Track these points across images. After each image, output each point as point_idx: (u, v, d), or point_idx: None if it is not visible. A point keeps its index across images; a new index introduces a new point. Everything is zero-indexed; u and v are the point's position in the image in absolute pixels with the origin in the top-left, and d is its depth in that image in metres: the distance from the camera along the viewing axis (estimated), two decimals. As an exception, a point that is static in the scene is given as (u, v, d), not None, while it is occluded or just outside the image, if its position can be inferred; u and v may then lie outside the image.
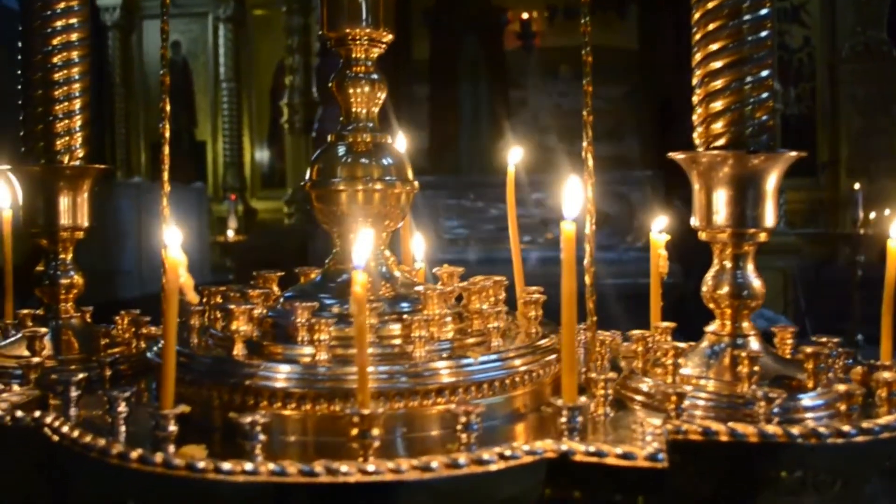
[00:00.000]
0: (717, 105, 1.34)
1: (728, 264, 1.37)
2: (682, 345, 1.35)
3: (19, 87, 1.59)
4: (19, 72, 1.60)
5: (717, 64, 1.34)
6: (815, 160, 10.63)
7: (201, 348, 1.32)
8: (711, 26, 1.34)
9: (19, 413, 1.14)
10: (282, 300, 1.44)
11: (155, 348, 1.38)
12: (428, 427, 1.19)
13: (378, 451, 1.00)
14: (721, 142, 1.34)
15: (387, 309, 1.35)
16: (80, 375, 1.24)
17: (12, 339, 1.52)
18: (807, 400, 1.27)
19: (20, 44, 1.58)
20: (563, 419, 1.10)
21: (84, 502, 1.15)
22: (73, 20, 1.57)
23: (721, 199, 1.35)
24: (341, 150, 1.45)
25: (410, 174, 1.48)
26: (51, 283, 1.56)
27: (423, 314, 1.26)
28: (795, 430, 1.13)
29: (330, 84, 1.48)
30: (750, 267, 1.37)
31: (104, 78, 11.06)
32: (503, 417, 1.26)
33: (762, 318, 6.58)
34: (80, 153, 1.58)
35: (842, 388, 1.25)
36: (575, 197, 1.13)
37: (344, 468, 0.93)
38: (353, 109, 1.47)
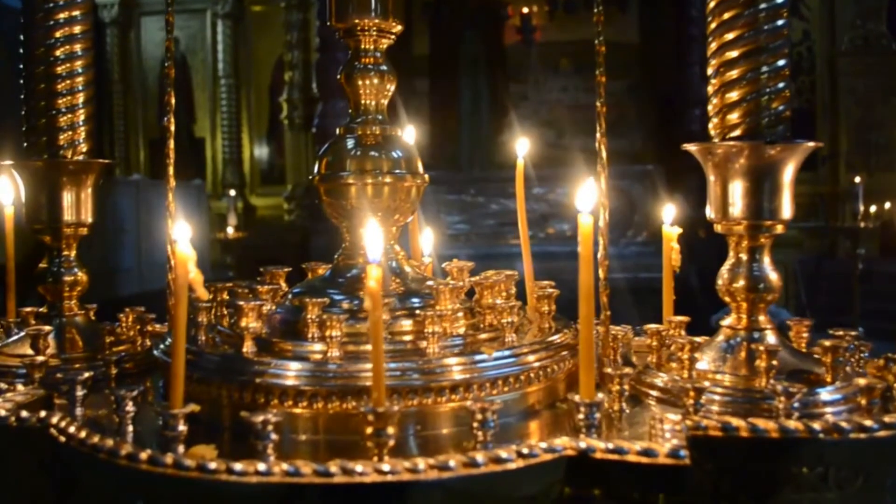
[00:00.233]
0: (733, 95, 1.32)
1: (744, 257, 1.35)
2: (698, 339, 1.33)
3: (21, 80, 1.56)
4: (21, 65, 1.57)
5: (733, 53, 1.32)
6: (816, 153, 10.62)
7: (209, 345, 1.30)
8: (727, 15, 1.32)
9: (24, 413, 1.11)
10: (290, 296, 1.42)
11: (162, 346, 1.36)
12: (441, 424, 1.17)
13: (392, 449, 0.97)
14: (737, 132, 1.32)
15: (397, 304, 1.33)
16: (86, 374, 1.22)
17: (15, 337, 1.49)
18: (825, 394, 1.24)
19: (22, 37, 1.55)
20: (581, 416, 1.08)
21: (91, 503, 1.12)
22: (76, 12, 1.54)
23: (737, 191, 1.32)
24: (350, 142, 1.42)
25: (420, 167, 1.46)
26: (54, 281, 1.53)
27: (436, 310, 1.24)
28: (817, 426, 1.10)
29: (339, 76, 1.46)
30: (766, 260, 1.35)
31: (102, 75, 11.01)
32: (517, 414, 1.24)
33: (764, 313, 6.59)
34: (84, 148, 1.56)
35: (862, 382, 1.23)
36: (591, 191, 1.10)
37: (359, 468, 0.90)
38: (363, 101, 1.44)
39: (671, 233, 1.62)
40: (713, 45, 1.35)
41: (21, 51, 1.58)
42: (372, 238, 1.01)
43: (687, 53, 8.11)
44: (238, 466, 0.91)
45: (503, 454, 0.96)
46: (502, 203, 8.35)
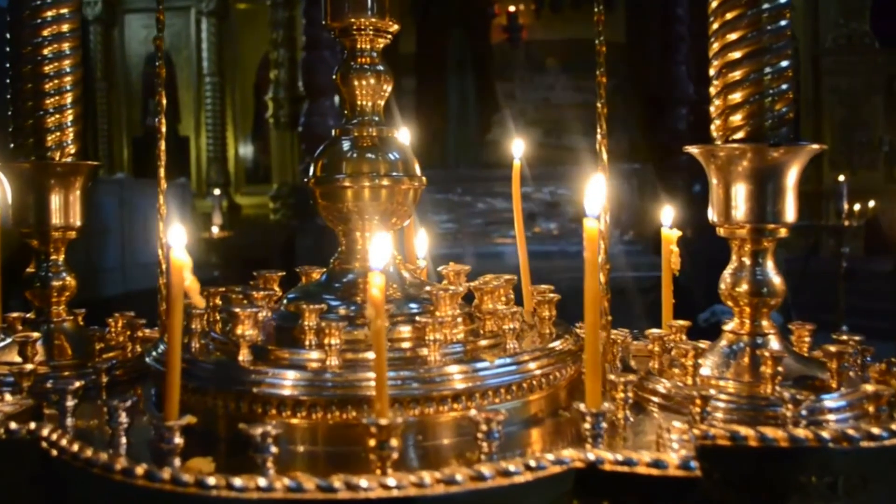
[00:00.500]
0: (736, 97, 1.30)
1: (747, 261, 1.33)
2: (702, 345, 1.31)
3: (8, 80, 1.52)
4: (8, 65, 1.53)
5: (736, 54, 1.29)
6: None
7: (203, 353, 1.27)
8: (729, 15, 1.30)
9: (13, 425, 1.08)
10: (285, 301, 1.39)
11: (154, 353, 1.32)
12: (442, 434, 1.15)
13: (394, 462, 0.95)
14: (740, 135, 1.30)
15: (395, 311, 1.30)
16: (77, 384, 1.18)
17: (2, 343, 1.45)
18: (831, 401, 1.23)
19: (8, 35, 1.52)
20: (587, 425, 1.05)
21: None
22: (64, 10, 1.50)
23: (740, 194, 1.30)
24: (346, 144, 1.39)
25: (418, 169, 1.43)
26: (42, 286, 1.49)
27: (436, 316, 1.21)
28: (826, 434, 1.09)
29: (334, 76, 1.43)
30: (769, 263, 1.33)
31: (85, 73, 10.92)
32: (519, 423, 1.21)
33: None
34: (72, 149, 1.52)
35: (870, 388, 1.21)
36: (598, 193, 1.07)
37: (364, 483, 0.88)
38: (359, 102, 1.41)
39: (671, 235, 1.60)
40: (715, 46, 1.33)
41: (7, 49, 1.54)
42: (376, 245, 0.98)
43: (673, 52, 8.12)
44: (238, 482, 0.88)
45: (511, 467, 0.93)
46: (489, 202, 8.33)
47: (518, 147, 1.73)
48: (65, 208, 1.50)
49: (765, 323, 1.33)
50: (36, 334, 1.39)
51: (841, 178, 8.71)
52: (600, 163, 1.40)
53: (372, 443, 0.95)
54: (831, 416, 1.21)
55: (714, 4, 1.31)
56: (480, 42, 9.11)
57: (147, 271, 8.63)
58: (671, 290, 1.59)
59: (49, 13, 1.49)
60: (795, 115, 1.36)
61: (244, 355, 1.18)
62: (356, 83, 1.40)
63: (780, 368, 1.23)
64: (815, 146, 1.29)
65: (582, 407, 1.06)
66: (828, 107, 12.43)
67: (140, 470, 0.92)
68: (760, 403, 1.22)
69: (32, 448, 1.05)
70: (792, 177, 1.30)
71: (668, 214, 1.60)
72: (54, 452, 1.02)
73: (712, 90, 1.34)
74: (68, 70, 1.51)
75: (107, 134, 11.44)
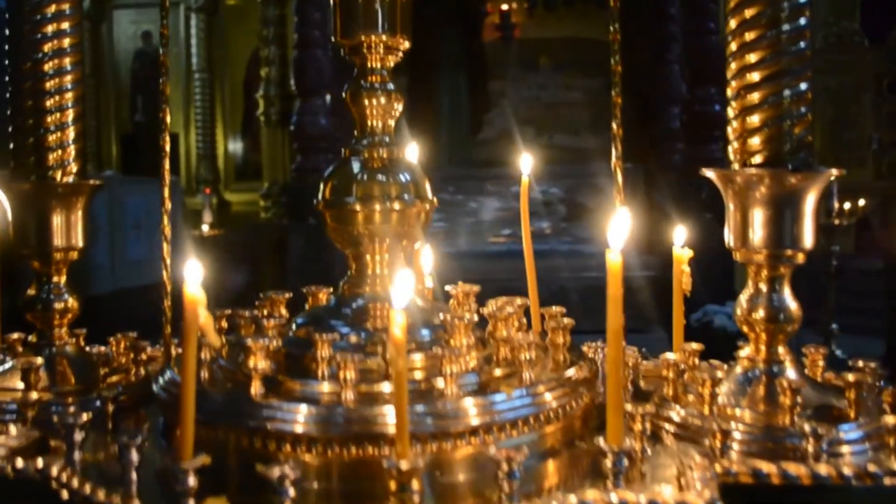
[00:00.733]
0: (755, 120, 1.28)
1: (763, 287, 1.31)
2: (718, 373, 1.29)
3: (7, 96, 1.49)
4: (7, 78, 1.50)
5: (755, 76, 1.28)
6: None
7: (212, 383, 1.24)
8: (749, 36, 1.27)
9: (20, 462, 1.05)
10: (294, 327, 1.36)
11: (161, 381, 1.29)
12: (457, 469, 1.12)
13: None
14: (758, 159, 1.28)
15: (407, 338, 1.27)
16: (84, 417, 1.15)
17: (4, 367, 1.42)
18: (850, 432, 1.21)
19: (7, 49, 1.48)
20: (609, 463, 1.03)
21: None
22: (65, 24, 1.47)
23: (757, 220, 1.29)
24: (356, 166, 1.36)
25: (429, 189, 1.40)
26: (44, 308, 1.46)
27: (451, 346, 1.19)
28: (848, 470, 1.07)
29: (344, 95, 1.39)
30: (786, 290, 1.31)
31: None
32: (535, 455, 1.19)
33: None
34: (74, 168, 1.48)
35: (890, 421, 1.19)
36: (622, 226, 1.05)
37: (388, 531, 0.85)
38: (369, 122, 1.38)
39: (682, 255, 1.58)
40: (733, 67, 1.31)
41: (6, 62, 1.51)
42: (399, 282, 0.95)
43: (666, 51, 8.10)
44: (257, 530, 0.86)
45: (536, 512, 0.91)
46: (480, 201, 8.31)
47: (526, 163, 1.70)
48: (66, 229, 1.47)
49: (781, 349, 1.31)
50: (39, 360, 1.36)
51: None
52: (615, 153, 1.37)
53: (392, 485, 0.92)
54: (849, 448, 1.20)
55: (733, 24, 1.29)
56: (473, 40, 9.08)
57: (137, 269, 8.58)
58: (682, 312, 1.57)
59: (50, 28, 1.45)
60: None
61: (256, 388, 1.15)
62: (366, 102, 1.37)
63: (799, 399, 1.21)
64: (834, 171, 1.27)
65: (603, 443, 1.04)
66: (817, 105, 12.43)
67: (155, 516, 0.89)
68: (778, 434, 1.21)
69: (41, 485, 1.02)
70: (810, 202, 1.28)
71: (679, 234, 1.58)
72: (65, 493, 0.99)
73: (730, 112, 1.32)
74: (70, 87, 1.47)
75: (95, 131, 11.35)
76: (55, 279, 1.48)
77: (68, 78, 1.48)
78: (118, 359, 1.52)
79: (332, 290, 1.57)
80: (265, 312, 1.48)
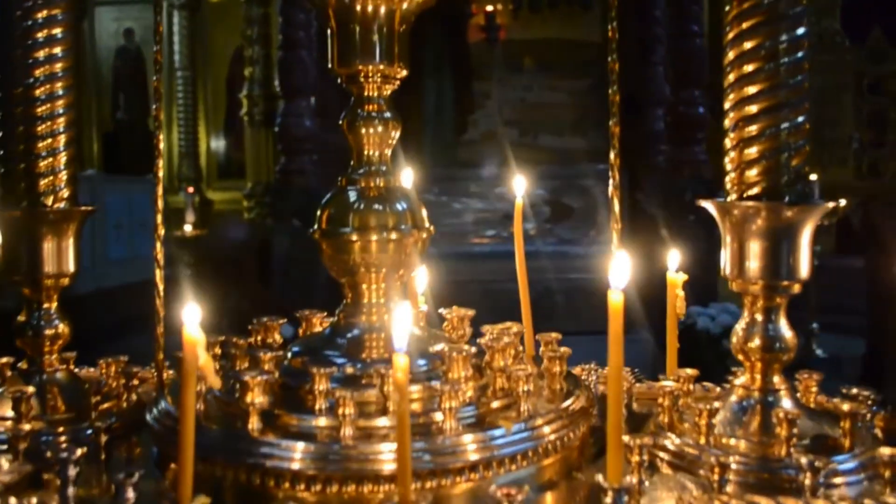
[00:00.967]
0: (752, 152, 1.28)
1: (759, 317, 1.32)
2: (716, 404, 1.29)
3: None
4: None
5: (753, 108, 1.28)
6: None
7: (206, 415, 1.23)
8: (747, 68, 1.27)
9: (14, 501, 1.03)
10: (289, 355, 1.35)
11: (155, 411, 1.28)
12: (456, 504, 1.12)
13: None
14: (755, 190, 1.28)
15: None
16: (78, 452, 1.14)
17: (-8, 393, 1.41)
18: (844, 462, 1.22)
19: (-1, 73, 1.46)
20: (609, 500, 1.03)
21: None
22: (57, 49, 1.45)
23: (754, 251, 1.29)
24: (352, 195, 1.36)
25: (426, 217, 1.40)
26: (34, 335, 1.45)
27: (451, 381, 1.19)
28: (845, 505, 1.08)
29: (340, 122, 1.39)
30: (782, 320, 1.32)
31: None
32: (534, 488, 1.18)
33: (727, 313, 6.61)
34: (65, 193, 1.47)
35: (886, 452, 1.19)
36: (623, 266, 1.05)
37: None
38: (366, 151, 1.37)
39: (676, 279, 1.58)
40: (732, 97, 1.31)
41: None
42: (399, 324, 0.94)
43: (650, 53, 8.12)
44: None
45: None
46: (465, 202, 8.30)
47: (519, 184, 1.70)
48: (58, 255, 1.46)
49: (776, 379, 1.32)
50: (30, 389, 1.35)
51: (813, 176, 8.77)
52: (613, 150, 1.37)
53: (395, 529, 0.92)
54: (844, 479, 1.20)
55: (731, 55, 1.29)
56: (457, 41, 9.06)
57: (118, 268, 8.52)
58: (676, 336, 1.58)
59: (41, 53, 1.43)
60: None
61: (254, 423, 1.14)
62: (363, 131, 1.37)
63: (795, 430, 1.21)
64: (830, 204, 1.28)
65: (604, 482, 1.04)
66: (799, 105, 12.50)
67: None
68: (774, 465, 1.21)
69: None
70: (807, 234, 1.28)
71: (674, 258, 1.58)
72: (61, 537, 0.98)
73: (728, 142, 1.32)
74: (61, 112, 1.46)
75: (76, 129, 11.25)
76: (45, 305, 1.47)
77: (60, 103, 1.46)
78: (109, 382, 1.51)
79: (325, 314, 1.56)
80: (259, 340, 1.47)
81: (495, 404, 1.25)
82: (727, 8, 1.31)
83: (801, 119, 1.28)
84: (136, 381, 1.51)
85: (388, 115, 1.38)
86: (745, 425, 1.29)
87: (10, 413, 1.35)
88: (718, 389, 1.52)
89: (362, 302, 1.37)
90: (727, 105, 1.31)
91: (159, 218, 1.48)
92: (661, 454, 1.31)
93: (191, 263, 8.68)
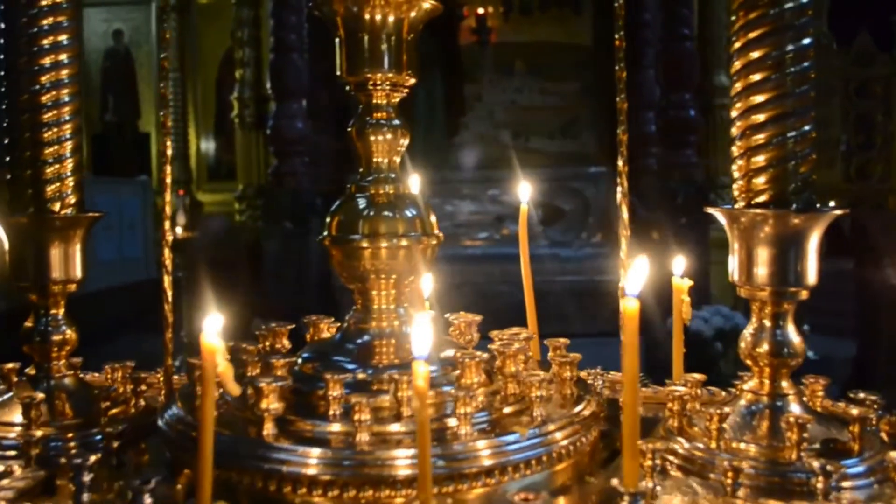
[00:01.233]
0: (760, 160, 1.29)
1: (767, 323, 1.33)
2: (726, 409, 1.30)
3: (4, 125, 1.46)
4: (4, 106, 1.48)
5: (760, 117, 1.29)
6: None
7: (218, 419, 1.23)
8: (754, 78, 1.29)
9: (30, 508, 1.04)
10: (300, 361, 1.35)
11: (166, 416, 1.28)
12: (469, 511, 1.12)
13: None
14: (763, 198, 1.30)
15: (415, 374, 1.27)
16: (92, 458, 1.14)
17: (2, 399, 1.41)
18: (853, 467, 1.23)
19: (5, 80, 1.46)
20: (625, 505, 1.04)
21: None
22: (63, 56, 1.45)
23: (762, 258, 1.30)
24: (362, 202, 1.36)
25: (434, 223, 1.40)
26: (42, 341, 1.44)
27: (464, 387, 1.19)
28: (858, 511, 1.09)
29: (349, 129, 1.39)
30: (790, 325, 1.33)
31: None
32: (547, 493, 1.19)
33: (719, 315, 6.65)
34: (72, 199, 1.46)
35: (894, 456, 1.21)
36: (641, 273, 1.05)
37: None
38: (375, 159, 1.38)
39: (681, 285, 1.59)
40: (739, 106, 1.32)
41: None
42: (420, 331, 0.95)
43: (640, 56, 8.16)
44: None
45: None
46: (456, 204, 8.32)
47: (525, 191, 1.71)
48: (65, 261, 1.45)
49: (784, 384, 1.33)
50: (40, 395, 1.34)
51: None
52: (621, 157, 1.38)
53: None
54: (853, 483, 1.22)
55: (738, 65, 1.30)
56: (449, 44, 9.08)
57: (107, 270, 8.49)
58: (682, 342, 1.59)
59: (47, 60, 1.43)
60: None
61: (269, 429, 1.14)
62: (372, 139, 1.37)
63: (805, 435, 1.22)
64: (838, 211, 1.30)
65: (619, 486, 1.05)
66: (787, 108, 12.58)
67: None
68: (785, 469, 1.22)
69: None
70: (814, 240, 1.30)
71: (679, 264, 1.59)
72: (81, 546, 0.98)
73: (735, 150, 1.33)
74: (68, 118, 1.45)
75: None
76: (53, 311, 1.46)
77: (66, 109, 1.45)
78: (115, 387, 1.51)
79: (332, 320, 1.57)
80: (268, 345, 1.47)
81: (507, 410, 1.25)
82: (733, 18, 1.32)
83: (807, 128, 1.29)
84: (143, 387, 1.51)
85: (396, 122, 1.39)
86: (754, 430, 1.30)
87: (18, 419, 1.34)
88: (724, 394, 1.53)
89: (372, 308, 1.37)
90: (734, 114, 1.33)
91: (167, 224, 1.50)
92: (671, 458, 1.32)
93: (183, 266, 8.66)
